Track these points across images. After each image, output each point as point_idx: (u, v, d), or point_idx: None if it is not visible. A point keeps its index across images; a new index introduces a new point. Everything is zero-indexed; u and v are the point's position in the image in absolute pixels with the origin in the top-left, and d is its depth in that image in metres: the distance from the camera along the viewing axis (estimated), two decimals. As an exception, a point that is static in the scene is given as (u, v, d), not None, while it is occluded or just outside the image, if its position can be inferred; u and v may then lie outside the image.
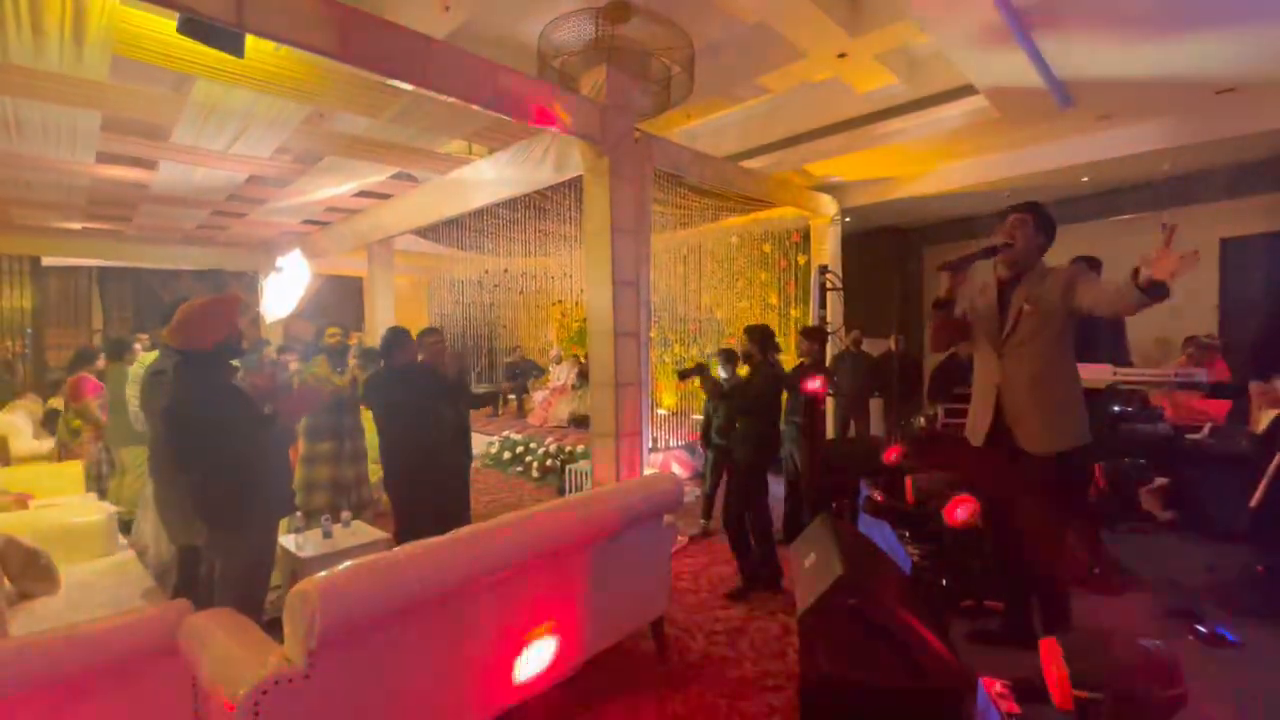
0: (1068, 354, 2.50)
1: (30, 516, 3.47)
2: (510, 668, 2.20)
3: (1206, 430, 4.25)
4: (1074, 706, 1.42)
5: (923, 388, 6.52)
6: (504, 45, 4.41)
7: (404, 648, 1.85)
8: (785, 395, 4.66)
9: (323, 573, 1.72)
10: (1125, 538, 3.83)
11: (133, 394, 3.75)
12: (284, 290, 7.95)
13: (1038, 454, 2.48)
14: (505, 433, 7.75)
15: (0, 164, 5.36)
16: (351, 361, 4.69)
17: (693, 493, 5.25)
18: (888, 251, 9.14)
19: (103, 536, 3.50)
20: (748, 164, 6.27)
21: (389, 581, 1.79)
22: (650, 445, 5.47)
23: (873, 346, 6.62)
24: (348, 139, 5.14)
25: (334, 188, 6.65)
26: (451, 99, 3.52)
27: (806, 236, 7.71)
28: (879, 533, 2.90)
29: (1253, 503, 3.02)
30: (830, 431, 6.53)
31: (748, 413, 3.83)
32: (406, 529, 3.53)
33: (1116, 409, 4.42)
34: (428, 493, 3.58)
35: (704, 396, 5.04)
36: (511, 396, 9.58)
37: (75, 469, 4.60)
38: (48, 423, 6.45)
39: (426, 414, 3.65)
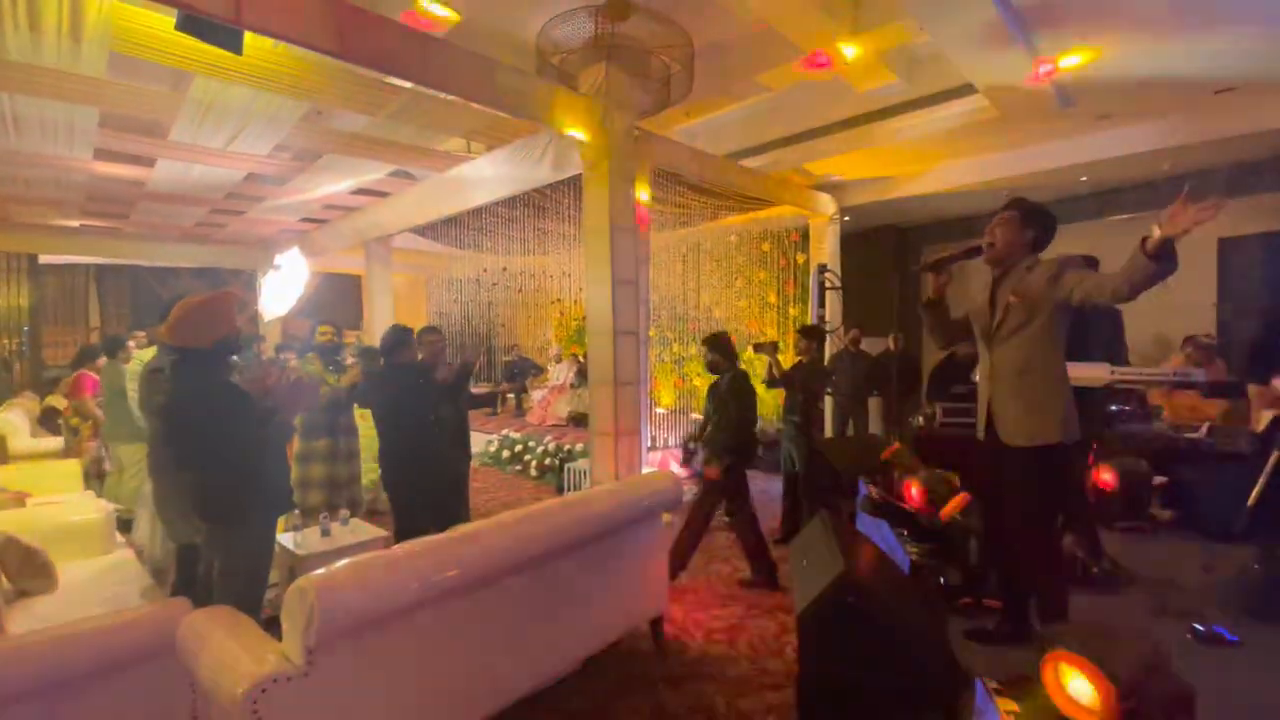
0: (1054, 349, 2.48)
1: (28, 514, 3.46)
2: (509, 665, 2.20)
3: (1204, 430, 4.26)
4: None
5: (921, 386, 6.53)
6: (503, 42, 4.40)
7: (402, 645, 1.85)
8: (784, 394, 4.68)
9: (321, 570, 1.72)
10: (1123, 536, 3.84)
11: (133, 391, 3.74)
12: (282, 288, 7.95)
13: (1017, 447, 2.49)
14: (504, 431, 7.75)
15: (-3, 161, 5.35)
16: (351, 360, 4.68)
17: (691, 491, 5.25)
18: (887, 250, 9.14)
19: (101, 535, 3.49)
20: (747, 163, 6.27)
21: (387, 579, 1.79)
22: (649, 444, 5.48)
23: (871, 345, 6.62)
24: (346, 136, 5.13)
25: (332, 185, 6.64)
26: (450, 96, 3.52)
27: (805, 235, 7.71)
28: (877, 531, 2.90)
29: (1250, 502, 3.02)
30: (829, 430, 6.54)
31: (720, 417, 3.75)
32: (405, 527, 3.53)
33: (1114, 408, 4.42)
34: (427, 491, 3.58)
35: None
36: (510, 396, 9.58)
37: (73, 467, 4.60)
38: (45, 421, 6.44)
39: (426, 412, 3.64)
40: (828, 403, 6.51)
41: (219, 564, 2.45)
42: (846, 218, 7.72)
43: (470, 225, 7.32)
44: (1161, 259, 1.97)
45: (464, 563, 1.99)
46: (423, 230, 7.79)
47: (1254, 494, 3.01)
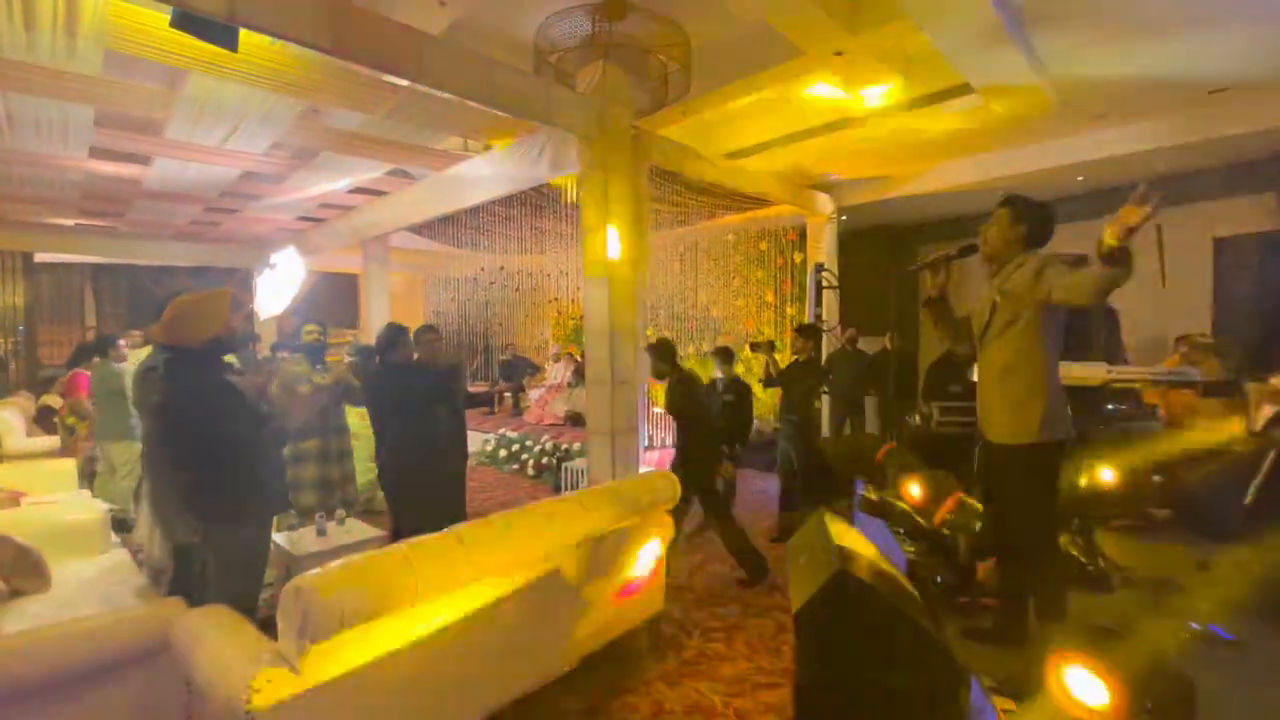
0: (1041, 347, 2.45)
1: (23, 514, 3.44)
2: (507, 664, 2.19)
3: (1201, 429, 4.26)
4: None
5: (918, 386, 6.53)
6: (500, 41, 4.39)
7: (399, 644, 1.84)
8: (781, 394, 4.68)
9: (317, 570, 1.71)
10: (1121, 535, 3.84)
11: (131, 391, 3.72)
12: (278, 287, 7.90)
13: (1001, 445, 2.50)
14: (501, 430, 7.74)
15: (-8, 159, 5.33)
16: (339, 357, 4.64)
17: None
18: (884, 250, 9.14)
19: (95, 534, 3.48)
20: (744, 162, 6.26)
21: (383, 578, 1.78)
22: (645, 443, 5.47)
23: (868, 345, 6.62)
24: (343, 134, 5.11)
25: (329, 184, 6.62)
26: (447, 95, 3.51)
27: (803, 234, 7.71)
28: (875, 530, 2.89)
29: (1247, 500, 3.03)
30: (826, 429, 6.54)
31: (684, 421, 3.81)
32: (402, 526, 3.51)
33: (1110, 407, 4.42)
34: (423, 490, 3.56)
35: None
36: (507, 395, 9.56)
37: (68, 466, 4.58)
38: (40, 420, 6.42)
39: (423, 411, 3.63)
40: (825, 402, 6.52)
41: (214, 563, 2.44)
42: (844, 217, 7.72)
43: (468, 224, 7.31)
44: (1114, 263, 1.99)
45: (461, 562, 1.98)
46: (420, 229, 7.77)
47: (1251, 493, 3.02)
